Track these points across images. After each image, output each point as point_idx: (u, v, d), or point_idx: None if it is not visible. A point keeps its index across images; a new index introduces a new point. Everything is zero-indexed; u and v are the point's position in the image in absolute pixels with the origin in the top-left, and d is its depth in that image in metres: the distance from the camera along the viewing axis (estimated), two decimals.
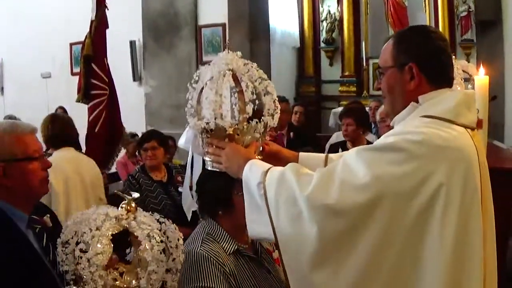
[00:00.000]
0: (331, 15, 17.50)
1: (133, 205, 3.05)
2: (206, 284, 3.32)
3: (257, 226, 3.00)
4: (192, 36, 12.77)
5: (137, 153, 9.65)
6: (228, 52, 3.43)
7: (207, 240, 3.55)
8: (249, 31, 12.31)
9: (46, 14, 16.18)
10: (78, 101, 7.00)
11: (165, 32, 12.88)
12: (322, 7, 17.61)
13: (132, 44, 14.45)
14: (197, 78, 3.45)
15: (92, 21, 6.97)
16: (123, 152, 11.15)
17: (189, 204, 4.04)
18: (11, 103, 17.14)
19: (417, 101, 2.92)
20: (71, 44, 15.64)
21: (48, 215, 3.50)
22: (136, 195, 3.14)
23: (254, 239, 3.63)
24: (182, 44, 12.81)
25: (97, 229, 2.88)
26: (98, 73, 6.77)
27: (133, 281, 2.92)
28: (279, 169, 2.98)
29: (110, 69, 7.09)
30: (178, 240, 3.12)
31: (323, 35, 17.66)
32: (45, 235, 3.33)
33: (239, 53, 3.44)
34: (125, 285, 2.89)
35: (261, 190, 2.93)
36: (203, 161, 3.49)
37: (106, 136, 6.85)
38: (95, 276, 2.80)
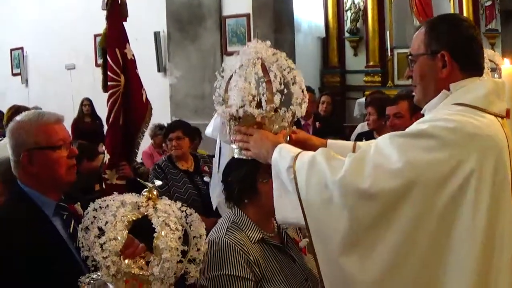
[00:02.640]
0: (355, 5, 17.40)
1: (155, 192, 3.02)
2: (230, 272, 3.35)
3: (286, 210, 3.04)
4: (217, 27, 12.77)
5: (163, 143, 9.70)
6: (257, 41, 3.42)
7: (232, 228, 3.56)
8: (274, 21, 12.29)
9: (70, 6, 16.25)
10: (104, 91, 7.01)
11: (189, 23, 12.88)
12: None
13: (157, 35, 14.48)
14: (225, 67, 3.45)
15: (107, 11, 6.97)
16: (148, 142, 11.20)
17: (218, 193, 4.01)
18: (36, 95, 17.23)
19: (448, 89, 2.93)
20: (95, 36, 15.65)
21: (79, 203, 3.53)
22: (158, 182, 3.11)
23: (283, 224, 3.63)
24: (207, 34, 12.80)
25: (112, 215, 2.89)
26: (110, 64, 6.77)
27: (150, 270, 2.91)
28: (309, 153, 2.99)
29: (136, 61, 7.09)
30: (202, 230, 3.10)
31: (348, 25, 17.57)
32: (73, 221, 3.39)
33: (268, 42, 3.43)
34: (140, 273, 2.89)
35: (291, 174, 2.93)
36: (231, 150, 3.53)
37: (122, 126, 6.83)
38: (107, 262, 2.79)
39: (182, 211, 3.02)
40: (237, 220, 3.61)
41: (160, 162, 7.50)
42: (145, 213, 2.93)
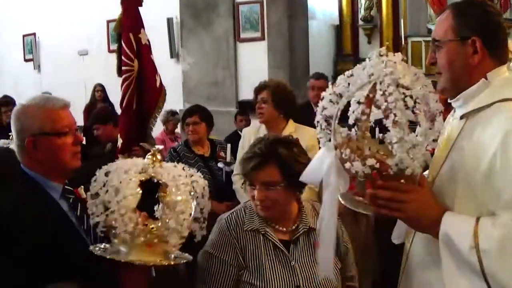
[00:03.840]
0: None
1: (159, 156, 3.12)
2: (213, 252, 3.56)
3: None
4: (230, 13, 12.72)
5: (178, 129, 9.67)
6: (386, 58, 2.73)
7: (238, 211, 3.70)
8: (287, 8, 12.25)
9: None
10: (119, 76, 7.00)
11: (202, 9, 12.84)
12: None
13: (170, 21, 14.45)
14: (339, 88, 2.81)
15: None
16: (161, 128, 11.18)
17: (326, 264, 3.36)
18: (48, 81, 17.25)
19: (485, 78, 2.81)
20: (108, 21, 15.63)
21: (82, 187, 3.49)
22: (160, 147, 3.23)
23: None
24: (220, 21, 12.76)
25: (125, 172, 2.97)
26: (124, 49, 6.76)
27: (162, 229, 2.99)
28: (492, 224, 2.59)
29: (150, 46, 7.08)
30: (204, 189, 3.18)
31: (362, 13, 17.50)
32: (79, 204, 3.37)
33: (399, 55, 2.75)
34: (154, 227, 2.98)
35: (474, 256, 2.56)
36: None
37: (135, 111, 6.81)
38: (125, 219, 2.88)
39: (185, 171, 3.16)
40: (248, 206, 3.70)
41: (176, 146, 7.64)
42: (153, 174, 3.03)
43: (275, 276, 3.52)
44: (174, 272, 3.85)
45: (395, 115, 2.51)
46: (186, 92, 13.10)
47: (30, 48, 18.59)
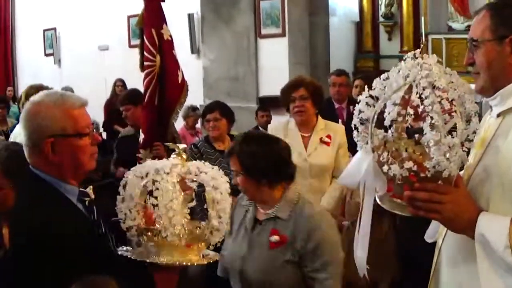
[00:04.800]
0: None
1: (184, 155, 3.08)
2: None
3: None
4: (251, 9, 12.71)
5: (199, 125, 9.67)
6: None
7: None
8: (308, 5, 12.23)
9: None
10: (142, 71, 7.02)
11: (223, 4, 12.85)
12: None
13: (190, 17, 14.44)
14: (376, 91, 2.79)
15: None
16: (181, 124, 11.19)
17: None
18: (68, 76, 17.31)
19: None
20: (128, 17, 15.67)
21: (91, 187, 3.35)
22: (183, 146, 3.17)
23: None
24: (241, 16, 12.76)
25: (168, 175, 2.93)
26: (147, 44, 6.78)
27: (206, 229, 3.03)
28: None
29: (173, 41, 7.10)
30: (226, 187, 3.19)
31: (382, 10, 17.47)
32: (94, 208, 3.23)
33: (434, 56, 2.70)
34: (199, 227, 3.02)
35: (510, 256, 2.53)
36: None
37: (157, 107, 6.83)
38: (173, 221, 2.84)
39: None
40: None
41: (197, 142, 7.59)
42: (184, 174, 3.03)
43: (235, 245, 4.35)
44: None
45: (431, 118, 2.48)
46: (206, 88, 13.12)
47: (51, 42, 18.67)
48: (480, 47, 2.86)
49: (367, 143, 2.73)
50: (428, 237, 3.16)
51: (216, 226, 2.97)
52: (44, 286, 2.89)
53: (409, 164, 2.54)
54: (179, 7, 13.33)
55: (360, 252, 3.00)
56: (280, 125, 6.60)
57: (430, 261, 3.16)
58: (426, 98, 2.51)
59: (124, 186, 3.03)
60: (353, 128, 2.78)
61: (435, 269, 3.13)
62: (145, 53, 6.75)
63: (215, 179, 3.02)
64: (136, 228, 2.93)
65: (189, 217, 2.99)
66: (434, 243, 3.14)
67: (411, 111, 2.60)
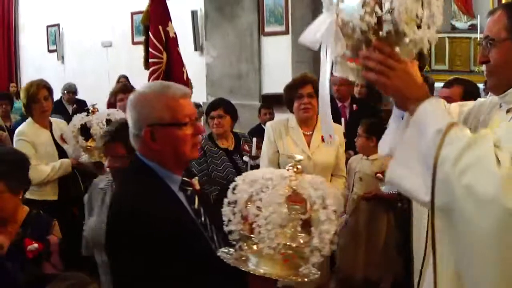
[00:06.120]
0: None
1: (299, 166, 2.97)
2: None
3: (407, 174, 2.66)
4: (254, 6, 12.71)
5: (202, 122, 9.66)
6: None
7: None
8: (312, 2, 12.19)
9: None
10: (146, 68, 7.02)
11: (226, 2, 12.87)
12: None
13: (194, 14, 14.45)
14: None
15: None
16: None
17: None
18: (72, 72, 17.34)
19: None
20: (132, 13, 15.69)
21: (197, 178, 3.51)
22: (299, 157, 3.03)
23: (392, 185, 2.93)
24: (244, 14, 12.76)
25: (274, 187, 2.85)
26: (153, 41, 6.78)
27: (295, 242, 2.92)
28: (467, 130, 2.60)
29: (177, 39, 7.11)
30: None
31: (386, 8, 17.46)
32: (196, 197, 3.32)
33: None
34: (299, 245, 2.89)
35: (437, 140, 2.53)
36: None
37: None
38: (271, 234, 2.78)
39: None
40: None
41: (199, 139, 7.46)
42: (295, 187, 2.91)
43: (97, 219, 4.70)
44: None
45: None
46: (209, 85, 13.13)
47: (54, 39, 18.70)
48: (496, 46, 2.88)
49: (331, 3, 2.71)
50: (381, 150, 3.06)
51: (317, 246, 2.86)
52: (138, 271, 2.97)
53: (369, 19, 2.53)
54: (183, 4, 13.35)
55: (322, 112, 3.04)
56: (280, 122, 6.55)
57: None
58: None
59: (233, 190, 2.98)
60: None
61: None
62: (151, 50, 6.75)
63: (325, 198, 2.90)
64: (238, 233, 2.90)
65: (299, 229, 2.89)
66: None
67: None
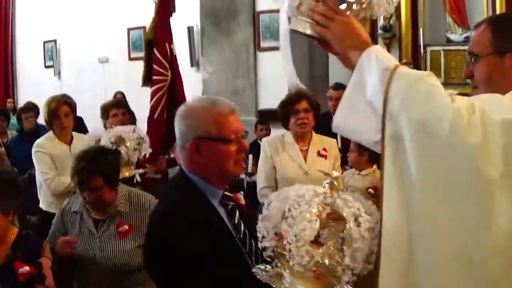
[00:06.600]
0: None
1: (336, 183, 2.92)
2: None
3: (355, 116, 2.68)
4: (250, 22, 12.78)
5: None
6: None
7: None
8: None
9: None
10: (143, 85, 7.05)
11: (222, 17, 12.90)
12: None
13: (190, 30, 14.49)
14: None
15: (156, 5, 7.02)
16: None
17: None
18: (68, 87, 17.26)
19: None
20: (128, 29, 15.74)
21: (242, 192, 3.52)
22: (336, 174, 3.00)
23: (339, 130, 2.96)
24: (240, 29, 12.82)
25: (306, 204, 2.81)
26: (159, 58, 6.81)
27: (333, 260, 2.84)
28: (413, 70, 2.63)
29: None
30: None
31: (381, 22, 17.46)
32: (237, 212, 3.35)
33: None
34: (333, 263, 2.82)
35: (386, 77, 2.52)
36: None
37: (166, 122, 6.88)
38: (301, 251, 2.75)
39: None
40: None
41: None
42: (330, 204, 2.86)
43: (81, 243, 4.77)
44: None
45: None
46: None
47: (51, 54, 18.72)
48: (480, 60, 2.90)
49: None
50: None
51: (348, 265, 2.80)
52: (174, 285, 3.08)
53: None
54: (179, 20, 13.36)
55: (284, 63, 3.14)
56: (276, 138, 6.59)
57: None
58: None
59: (267, 206, 2.97)
60: None
61: None
62: (155, 67, 6.78)
63: (358, 216, 2.83)
64: (272, 250, 2.88)
65: (339, 247, 2.83)
66: None
67: None
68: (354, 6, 2.74)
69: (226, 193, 3.36)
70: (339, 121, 2.73)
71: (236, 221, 3.32)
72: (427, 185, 2.49)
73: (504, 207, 2.38)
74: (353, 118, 2.69)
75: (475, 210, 2.42)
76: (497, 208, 2.38)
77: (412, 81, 2.50)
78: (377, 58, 2.59)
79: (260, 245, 2.87)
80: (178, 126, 3.33)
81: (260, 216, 2.91)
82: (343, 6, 2.73)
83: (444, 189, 2.47)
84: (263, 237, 2.86)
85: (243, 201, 3.47)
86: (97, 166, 4.62)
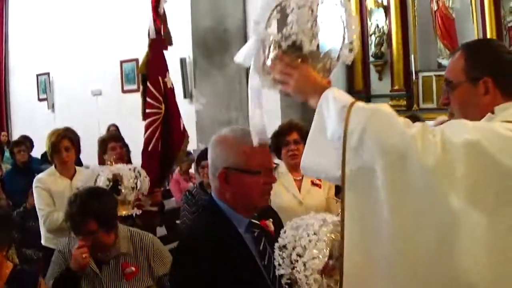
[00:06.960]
0: (380, 29, 17.28)
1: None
2: None
3: (318, 157, 2.72)
4: None
5: (193, 169, 9.65)
6: None
7: None
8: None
9: (96, 32, 16.38)
10: (143, 119, 7.06)
11: (215, 49, 12.92)
12: (370, 21, 17.39)
13: (182, 61, 14.57)
14: None
15: (150, 40, 7.05)
16: (176, 170, 11.24)
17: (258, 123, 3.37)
18: (62, 120, 17.30)
19: (492, 112, 2.81)
20: (121, 62, 15.79)
21: (271, 220, 3.56)
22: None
23: (306, 172, 3.02)
24: (232, 61, 12.72)
25: (314, 233, 2.88)
26: (152, 91, 6.83)
27: None
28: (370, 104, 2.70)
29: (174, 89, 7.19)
30: None
31: (372, 49, 17.51)
32: (263, 239, 3.39)
33: None
34: None
35: (344, 114, 2.59)
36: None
37: (160, 154, 6.89)
38: (310, 280, 2.81)
39: None
40: None
41: (191, 188, 7.63)
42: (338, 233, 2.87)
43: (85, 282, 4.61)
44: None
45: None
46: (199, 132, 13.13)
47: (44, 87, 18.80)
48: (455, 88, 2.93)
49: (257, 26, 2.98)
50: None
51: None
52: None
53: (277, 37, 2.90)
54: (171, 52, 13.39)
55: (253, 120, 3.20)
56: None
57: None
58: None
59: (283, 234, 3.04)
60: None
61: None
62: (148, 100, 6.79)
63: None
64: (288, 278, 2.93)
65: None
66: None
67: None
68: (310, 61, 2.90)
69: (253, 220, 3.43)
70: (305, 163, 2.79)
71: (261, 247, 3.36)
72: (397, 213, 2.50)
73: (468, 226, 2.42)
74: (318, 159, 2.74)
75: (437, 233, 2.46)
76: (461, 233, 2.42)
77: (369, 113, 2.56)
78: (334, 98, 2.68)
79: (277, 272, 2.95)
80: (209, 154, 3.42)
81: (276, 245, 2.97)
82: (299, 61, 2.88)
83: (412, 216, 2.48)
84: (279, 264, 2.92)
85: (271, 228, 3.50)
86: (90, 210, 4.49)
